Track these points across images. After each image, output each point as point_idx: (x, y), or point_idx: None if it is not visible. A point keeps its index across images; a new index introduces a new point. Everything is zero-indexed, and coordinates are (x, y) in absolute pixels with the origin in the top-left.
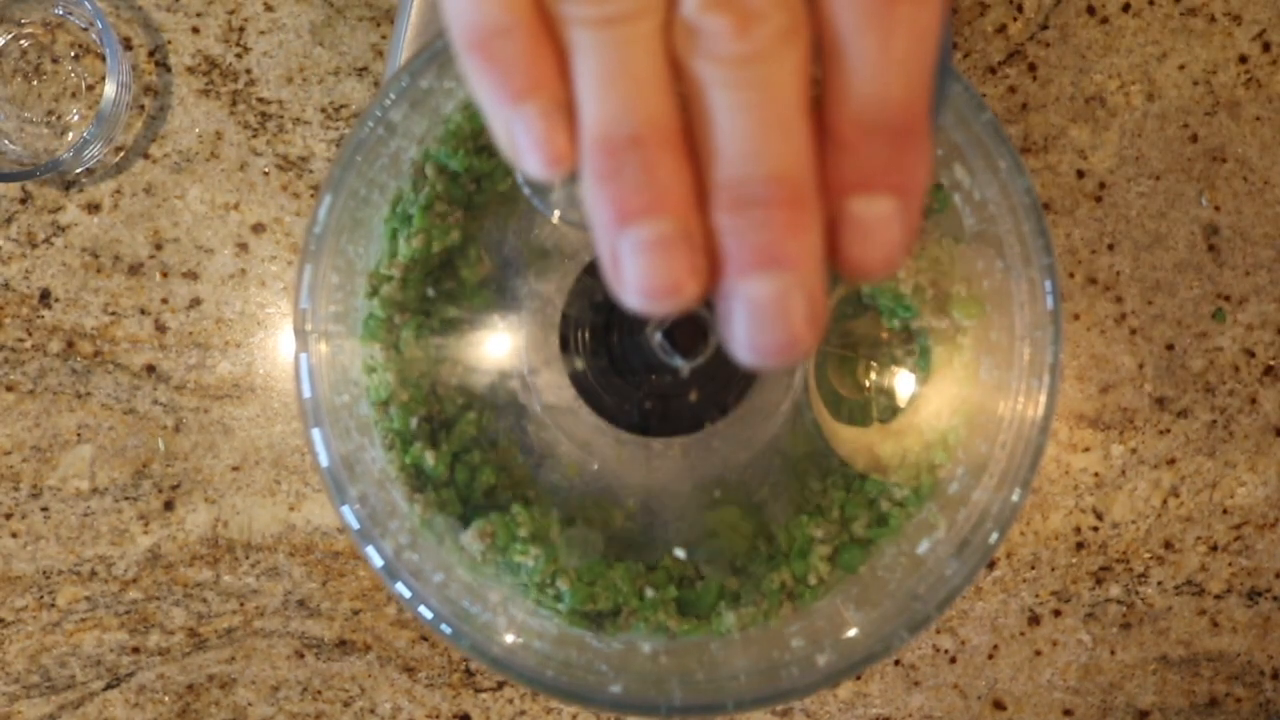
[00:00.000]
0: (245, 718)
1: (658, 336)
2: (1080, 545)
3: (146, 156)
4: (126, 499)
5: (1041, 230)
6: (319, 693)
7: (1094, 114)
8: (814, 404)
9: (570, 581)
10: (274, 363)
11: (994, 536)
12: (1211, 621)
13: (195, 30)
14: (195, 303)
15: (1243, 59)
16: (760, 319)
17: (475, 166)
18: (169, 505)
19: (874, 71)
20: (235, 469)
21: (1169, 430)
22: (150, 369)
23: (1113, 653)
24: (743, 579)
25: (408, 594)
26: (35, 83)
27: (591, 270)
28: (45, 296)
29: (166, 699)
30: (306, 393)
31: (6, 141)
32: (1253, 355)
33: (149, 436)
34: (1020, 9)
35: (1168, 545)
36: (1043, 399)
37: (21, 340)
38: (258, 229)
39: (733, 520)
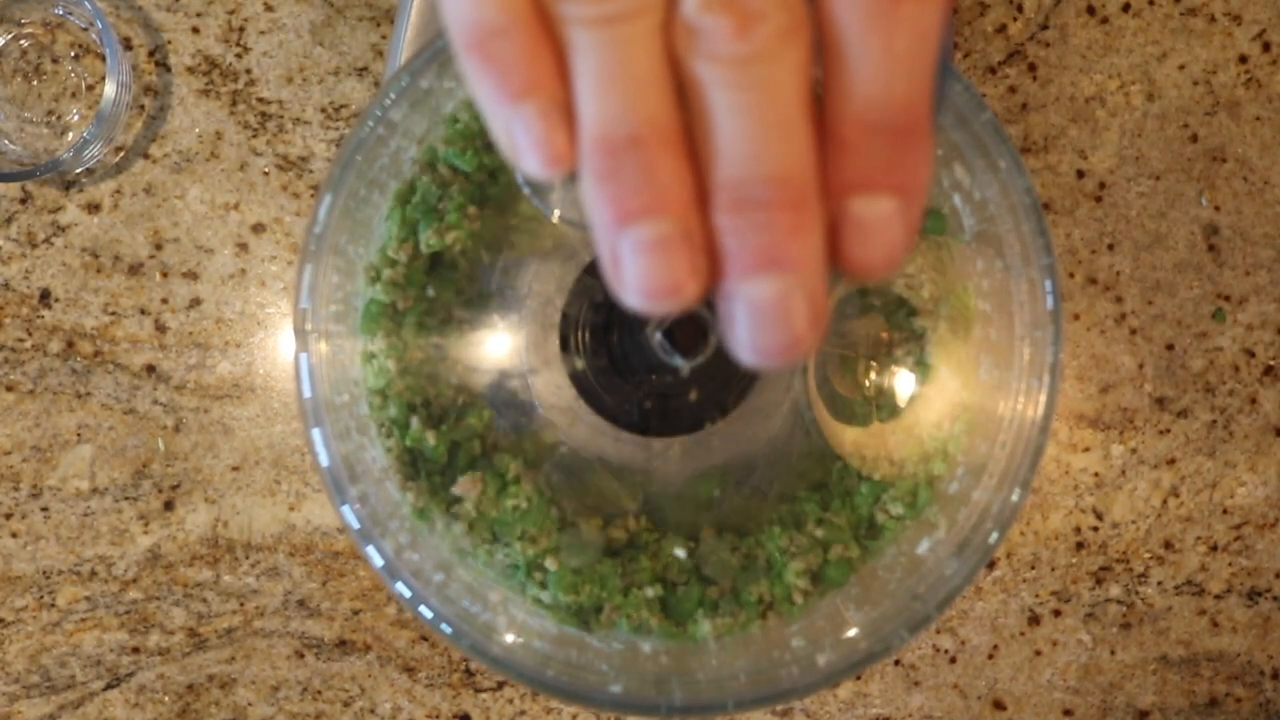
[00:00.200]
0: (245, 718)
1: (658, 336)
2: (1080, 545)
3: (146, 156)
4: (126, 499)
5: (1041, 230)
6: (319, 693)
7: (1094, 114)
8: (814, 404)
9: (558, 563)
10: (274, 363)
11: (994, 536)
12: (1211, 621)
13: (195, 30)
14: (195, 303)
15: (1243, 59)
16: (761, 320)
17: (486, 164)
18: (169, 505)
19: (876, 71)
20: (235, 469)
21: (1169, 430)
22: (150, 369)
23: (1113, 653)
24: (724, 587)
25: (408, 594)
26: (35, 83)
27: (591, 270)
28: (45, 296)
29: (166, 699)
30: (306, 393)
31: (6, 141)
32: (1253, 355)
33: (149, 436)
34: (1020, 9)
35: (1168, 545)
36: (1043, 399)
37: (21, 340)
38: (258, 229)
39: (712, 537)
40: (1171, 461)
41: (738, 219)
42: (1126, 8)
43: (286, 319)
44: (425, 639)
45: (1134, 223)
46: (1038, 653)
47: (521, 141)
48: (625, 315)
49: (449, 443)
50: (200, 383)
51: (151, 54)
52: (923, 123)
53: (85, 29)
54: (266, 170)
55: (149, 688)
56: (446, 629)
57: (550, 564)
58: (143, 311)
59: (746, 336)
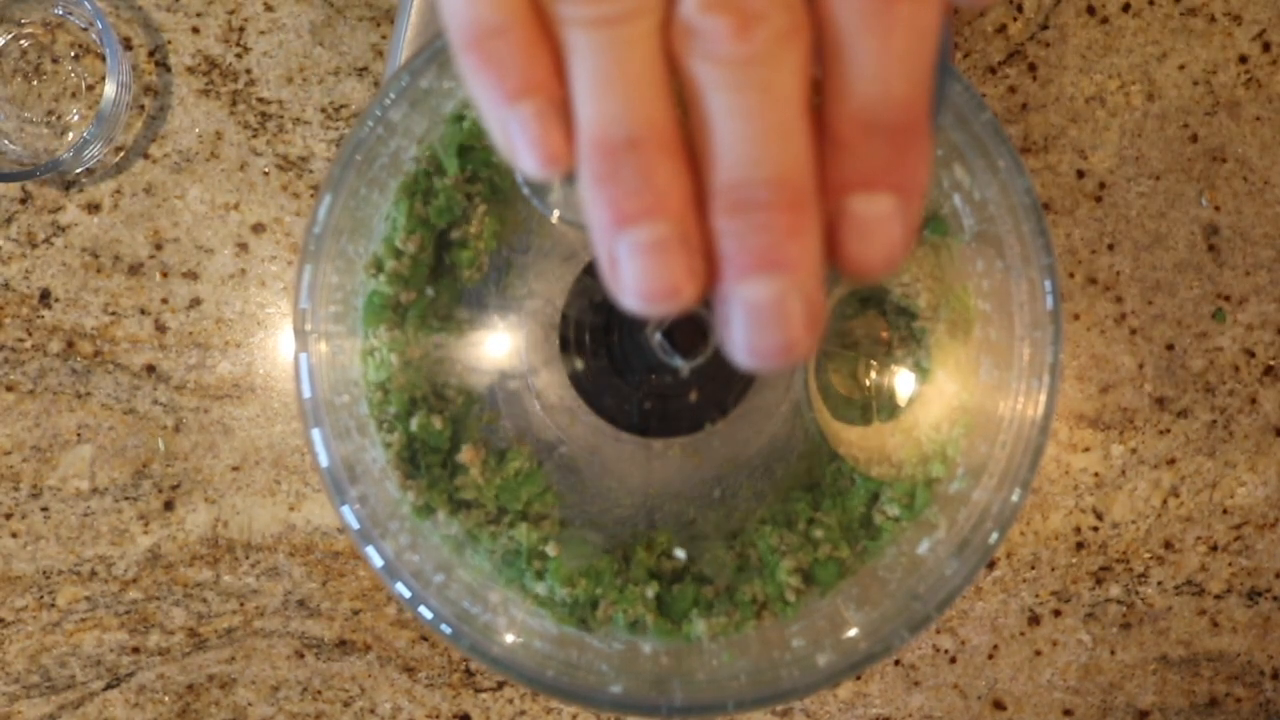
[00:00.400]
0: (245, 718)
1: (657, 336)
2: (1080, 545)
3: (146, 156)
4: (126, 499)
5: (1041, 230)
6: (319, 693)
7: (1094, 114)
8: (814, 404)
9: (557, 550)
10: (274, 363)
11: (994, 536)
12: (1211, 621)
13: (195, 30)
14: (195, 303)
15: (1243, 59)
16: (758, 322)
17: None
18: (169, 505)
19: (875, 71)
20: (235, 469)
21: (1169, 430)
22: (150, 369)
23: (1113, 653)
24: (719, 587)
25: (408, 594)
26: (35, 83)
27: (591, 270)
28: (45, 296)
29: (166, 699)
30: (306, 393)
31: (6, 141)
32: (1253, 355)
33: (149, 436)
34: (1020, 9)
35: (1168, 545)
36: (1043, 399)
37: (21, 340)
38: (258, 229)
39: (709, 537)
40: (1171, 461)
41: (736, 221)
42: (1126, 8)
43: (286, 319)
44: (425, 639)
45: (1134, 223)
46: (1038, 653)
47: (518, 141)
48: (625, 316)
49: (451, 427)
50: (200, 383)
51: (151, 54)
52: (921, 122)
53: (85, 29)
54: (266, 170)
55: (149, 688)
56: (446, 629)
57: (551, 549)
58: (143, 311)
59: (743, 338)
